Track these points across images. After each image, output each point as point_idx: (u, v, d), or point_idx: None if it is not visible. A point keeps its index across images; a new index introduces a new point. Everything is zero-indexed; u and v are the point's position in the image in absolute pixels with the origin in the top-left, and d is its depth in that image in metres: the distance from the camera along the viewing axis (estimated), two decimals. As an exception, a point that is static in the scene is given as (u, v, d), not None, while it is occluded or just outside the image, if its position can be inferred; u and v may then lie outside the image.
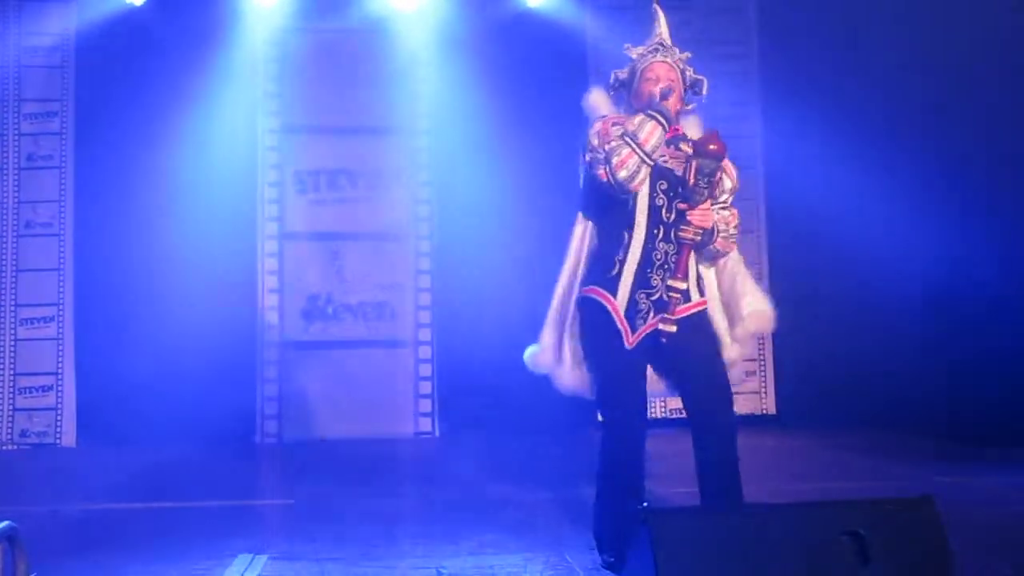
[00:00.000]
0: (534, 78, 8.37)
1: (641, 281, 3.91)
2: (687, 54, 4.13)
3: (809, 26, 8.66)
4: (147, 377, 8.02)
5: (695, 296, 3.99)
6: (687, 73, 4.09)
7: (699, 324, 3.99)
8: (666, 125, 3.85)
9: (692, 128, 4.07)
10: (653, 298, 3.91)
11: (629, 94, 4.11)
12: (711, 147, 3.84)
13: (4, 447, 7.83)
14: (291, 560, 4.38)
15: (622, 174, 3.80)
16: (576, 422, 8.23)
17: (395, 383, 8.39)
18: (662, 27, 4.12)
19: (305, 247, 8.49)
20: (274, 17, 8.49)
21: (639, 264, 3.92)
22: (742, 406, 8.52)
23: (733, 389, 4.05)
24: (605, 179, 3.83)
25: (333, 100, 8.53)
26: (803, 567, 2.83)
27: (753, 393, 8.61)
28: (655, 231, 3.92)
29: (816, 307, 8.46)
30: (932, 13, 7.99)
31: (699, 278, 4.03)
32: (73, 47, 8.16)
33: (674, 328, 3.85)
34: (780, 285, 8.66)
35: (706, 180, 3.83)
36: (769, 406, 8.62)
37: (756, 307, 4.15)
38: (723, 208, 4.02)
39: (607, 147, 3.84)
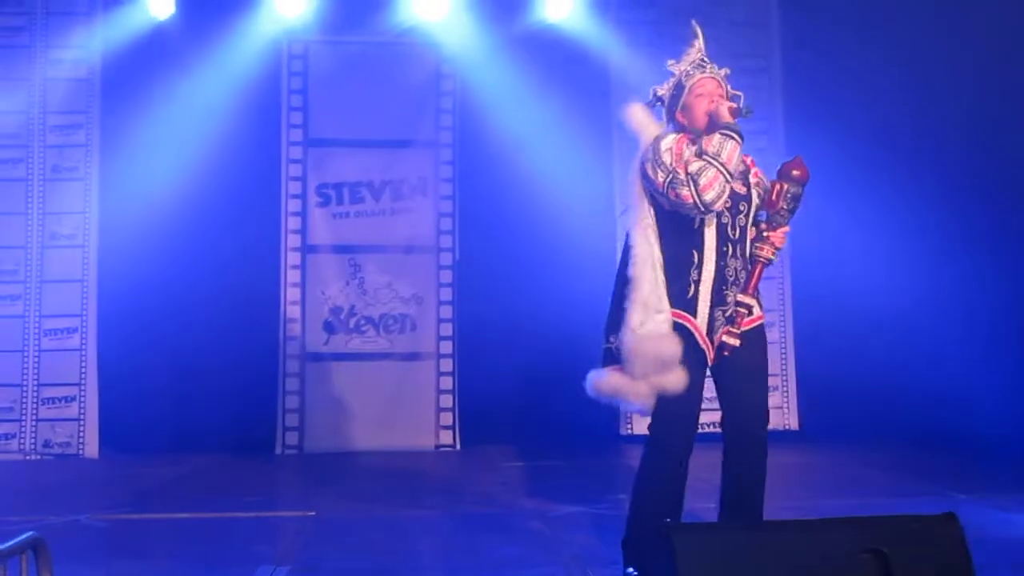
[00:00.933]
0: (557, 91, 8.39)
1: (717, 299, 3.93)
2: (726, 70, 4.13)
3: (831, 39, 8.64)
4: (169, 388, 8.07)
5: (756, 310, 4.02)
6: (727, 90, 4.09)
7: (757, 338, 4.03)
8: (741, 142, 3.87)
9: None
10: (727, 314, 3.94)
11: (675, 109, 4.05)
12: (795, 172, 3.94)
13: (28, 457, 7.87)
14: (312, 572, 4.39)
15: (709, 196, 3.78)
16: (598, 436, 8.24)
17: (416, 396, 8.39)
18: (700, 43, 4.13)
19: (327, 260, 8.52)
20: (298, 30, 8.54)
21: (714, 282, 3.93)
22: (763, 421, 8.50)
23: None
24: (690, 201, 3.78)
25: (356, 113, 8.56)
26: (825, 584, 2.82)
27: (775, 408, 8.55)
28: (724, 248, 3.94)
29: (838, 323, 8.43)
30: (953, 27, 7.96)
31: (758, 292, 4.05)
32: (98, 60, 8.22)
33: (738, 342, 3.89)
34: (802, 301, 8.67)
35: (790, 204, 3.93)
36: (791, 421, 8.57)
37: None
38: None
39: (690, 169, 3.80)
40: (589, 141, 8.30)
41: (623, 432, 8.33)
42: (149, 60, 8.32)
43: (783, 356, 8.64)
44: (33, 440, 7.90)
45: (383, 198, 8.60)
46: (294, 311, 8.43)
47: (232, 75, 8.33)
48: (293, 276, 8.47)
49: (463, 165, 8.63)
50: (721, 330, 3.92)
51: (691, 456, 3.97)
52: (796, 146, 8.70)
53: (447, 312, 8.52)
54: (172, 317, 8.14)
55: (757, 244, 3.95)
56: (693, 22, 4.18)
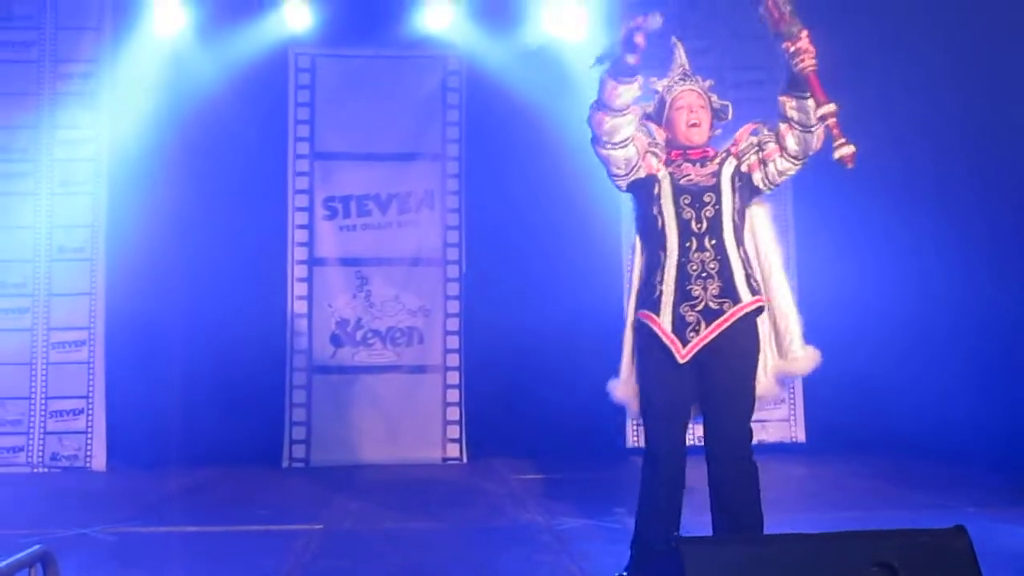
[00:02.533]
0: (563, 104, 8.38)
1: (682, 295, 3.98)
2: (710, 82, 4.21)
3: (831, 49, 8.62)
4: (176, 401, 8.06)
5: (745, 296, 4.00)
6: (712, 100, 4.19)
7: (743, 332, 4.00)
8: (616, 75, 3.94)
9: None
10: (698, 309, 3.96)
11: (660, 124, 4.20)
12: None
13: (35, 470, 7.87)
14: (320, 585, 4.40)
15: (601, 133, 4.03)
16: (604, 449, 8.23)
17: (423, 409, 8.39)
18: (682, 57, 4.22)
19: (334, 272, 8.53)
20: (305, 44, 8.57)
21: (677, 280, 3.99)
22: (771, 434, 8.49)
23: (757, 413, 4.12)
24: (601, 159, 4.12)
25: (363, 126, 8.58)
26: (835, 598, 2.81)
27: (782, 421, 8.56)
28: (687, 244, 4.00)
29: (845, 333, 8.39)
30: (951, 40, 7.96)
31: (749, 276, 4.03)
32: (107, 74, 8.25)
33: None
34: (808, 308, 8.62)
35: (789, 7, 3.81)
36: (798, 434, 8.55)
37: (805, 352, 4.19)
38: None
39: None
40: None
41: (630, 445, 8.31)
42: (157, 73, 8.35)
43: (790, 369, 8.61)
44: (41, 453, 7.91)
45: (390, 211, 8.61)
46: (301, 324, 8.45)
47: (239, 88, 8.36)
48: (300, 289, 8.49)
49: (470, 178, 8.64)
50: (707, 328, 3.92)
51: (685, 459, 4.01)
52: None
53: (454, 324, 8.52)
54: (179, 330, 8.14)
55: (794, 61, 3.83)
56: (673, 39, 4.26)
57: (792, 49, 3.83)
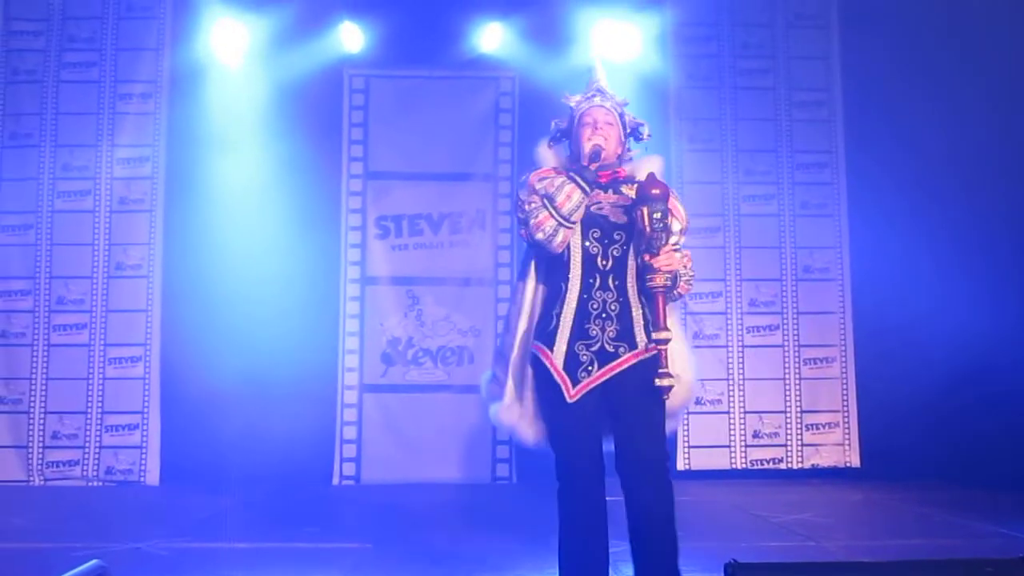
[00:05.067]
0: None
1: (579, 332, 3.85)
2: (624, 99, 4.13)
3: (892, 72, 8.56)
4: (229, 417, 8.12)
5: (641, 342, 3.84)
6: (626, 118, 4.09)
7: (647, 371, 3.80)
8: (586, 188, 3.84)
9: (650, 169, 3.97)
10: (593, 349, 3.83)
11: (570, 141, 4.12)
12: (654, 191, 3.79)
13: (90, 484, 7.98)
14: (370, 604, 4.40)
15: (539, 236, 3.83)
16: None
17: (473, 428, 8.38)
18: (600, 75, 4.15)
19: (386, 291, 8.57)
20: (359, 64, 8.65)
21: (575, 315, 3.87)
22: (825, 459, 8.37)
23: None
24: (526, 239, 3.89)
25: (416, 146, 8.62)
26: (892, 627, 2.76)
27: (836, 445, 8.44)
28: (591, 280, 3.88)
29: (901, 357, 8.29)
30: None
31: (648, 322, 3.85)
32: (165, 94, 8.38)
33: (672, 382, 3.74)
34: (864, 334, 8.55)
35: (661, 224, 3.76)
36: (853, 459, 8.42)
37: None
38: (675, 250, 3.84)
39: (527, 208, 3.88)
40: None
41: (680, 468, 8.24)
42: (213, 94, 8.46)
43: (844, 392, 8.52)
44: (96, 467, 8.02)
45: (441, 230, 8.65)
46: (352, 342, 8.49)
47: (294, 108, 8.45)
48: (352, 307, 8.54)
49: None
50: (600, 370, 3.81)
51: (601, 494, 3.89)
52: (857, 178, 8.66)
53: (504, 345, 8.50)
54: (233, 347, 8.19)
55: (648, 275, 3.79)
56: (593, 57, 4.22)
57: (648, 262, 3.78)
